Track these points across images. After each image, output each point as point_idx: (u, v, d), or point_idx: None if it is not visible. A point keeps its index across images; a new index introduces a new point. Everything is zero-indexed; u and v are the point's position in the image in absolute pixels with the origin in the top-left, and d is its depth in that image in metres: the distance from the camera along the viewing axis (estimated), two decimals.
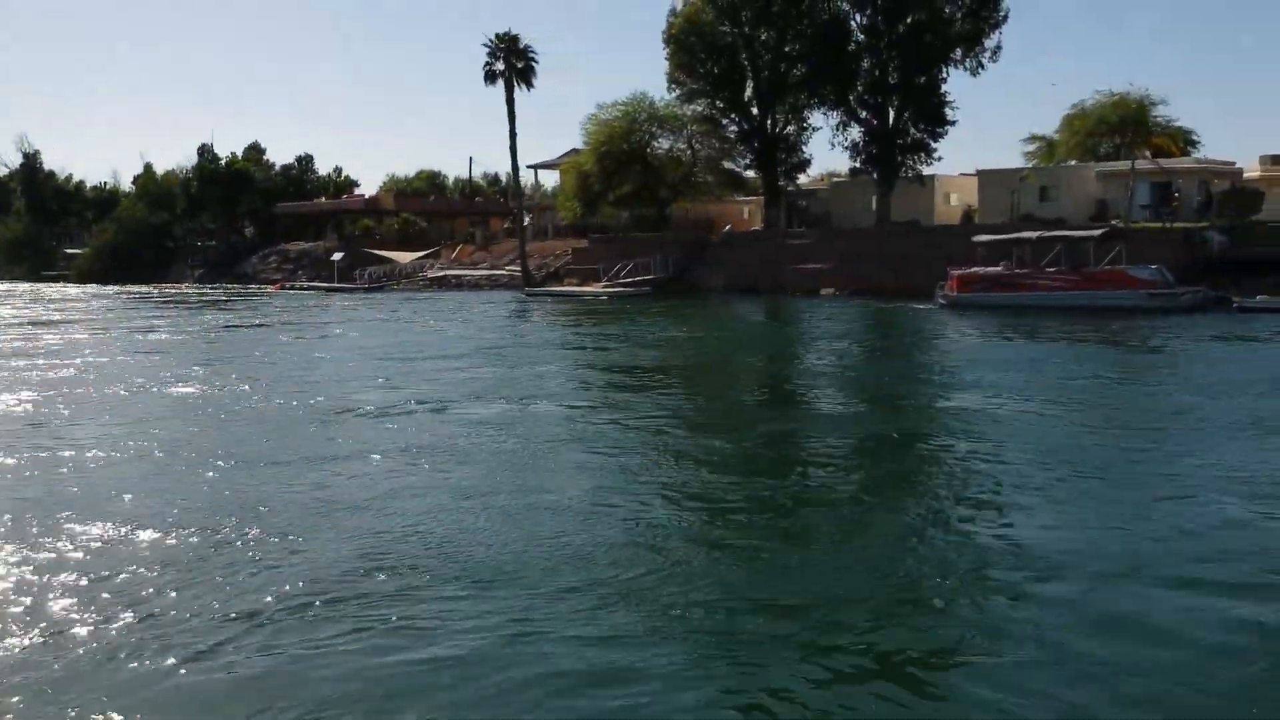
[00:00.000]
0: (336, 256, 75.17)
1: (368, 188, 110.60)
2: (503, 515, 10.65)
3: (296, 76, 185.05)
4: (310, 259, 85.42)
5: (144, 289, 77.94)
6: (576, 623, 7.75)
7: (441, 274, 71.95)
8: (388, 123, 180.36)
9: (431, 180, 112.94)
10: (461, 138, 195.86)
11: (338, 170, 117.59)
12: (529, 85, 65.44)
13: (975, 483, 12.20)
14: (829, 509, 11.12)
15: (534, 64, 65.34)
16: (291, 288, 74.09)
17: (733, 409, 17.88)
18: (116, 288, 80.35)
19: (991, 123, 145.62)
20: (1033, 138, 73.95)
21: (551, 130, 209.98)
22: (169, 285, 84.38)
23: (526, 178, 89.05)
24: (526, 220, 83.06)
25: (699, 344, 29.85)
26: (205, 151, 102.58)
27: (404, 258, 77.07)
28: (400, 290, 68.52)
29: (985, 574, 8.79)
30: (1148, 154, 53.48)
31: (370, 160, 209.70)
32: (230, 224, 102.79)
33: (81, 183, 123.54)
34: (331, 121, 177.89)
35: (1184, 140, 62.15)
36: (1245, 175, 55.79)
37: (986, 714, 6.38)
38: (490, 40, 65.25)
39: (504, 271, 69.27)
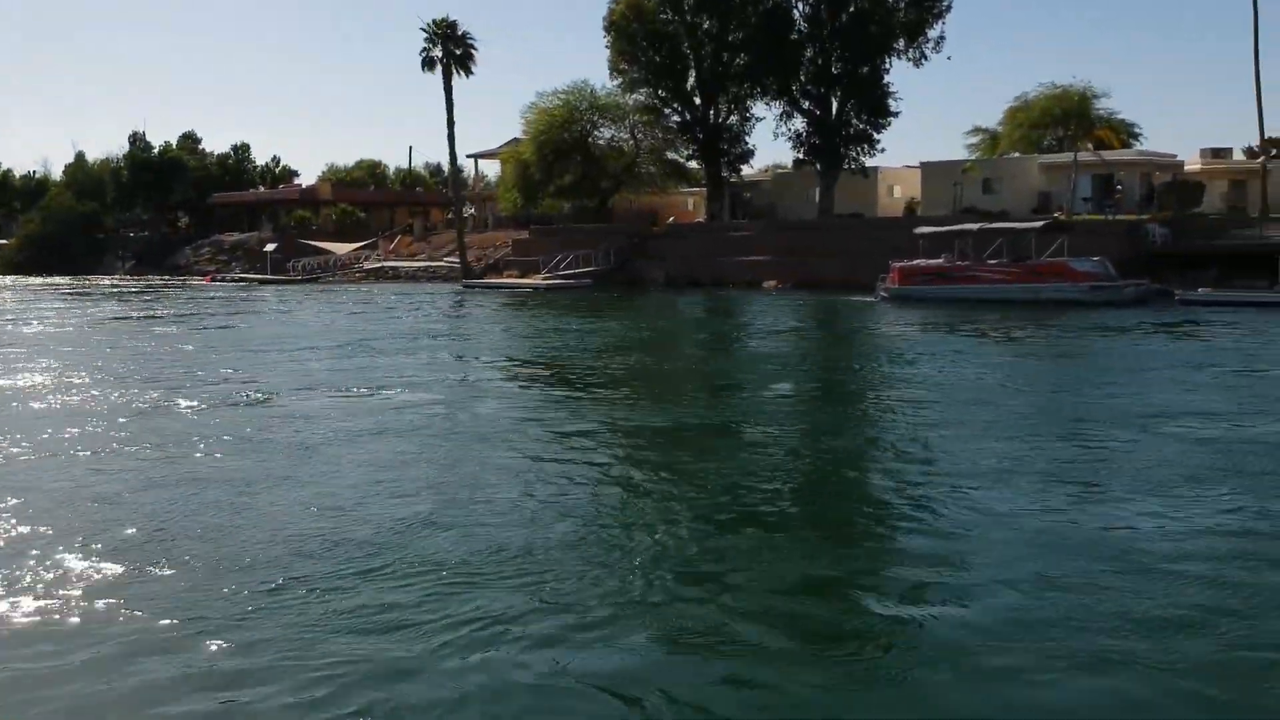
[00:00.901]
0: (269, 248, 73.20)
1: (308, 178, 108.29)
2: (400, 525, 9.53)
3: (234, 64, 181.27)
4: (245, 250, 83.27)
5: (67, 281, 75.31)
6: (514, 622, 7.32)
7: (378, 266, 70.28)
8: (328, 112, 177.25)
9: (372, 170, 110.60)
10: (404, 127, 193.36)
11: (275, 160, 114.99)
12: (468, 72, 64.04)
13: (893, 486, 11.33)
14: (754, 509, 10.47)
15: (473, 50, 63.96)
16: (224, 280, 72.01)
17: (647, 409, 16.81)
18: (41, 280, 77.66)
19: (935, 116, 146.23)
20: (976, 130, 73.97)
21: (497, 119, 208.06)
22: (97, 277, 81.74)
23: (468, 168, 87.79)
24: (469, 211, 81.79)
25: (623, 339, 28.74)
26: (137, 140, 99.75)
27: (341, 249, 75.17)
28: (334, 282, 66.78)
29: (895, 577, 8.41)
30: (1089, 146, 53.28)
31: (311, 150, 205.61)
32: (163, 214, 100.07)
33: (9, 171, 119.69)
34: (271, 111, 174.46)
35: (1126, 133, 62.18)
36: (1186, 168, 55.81)
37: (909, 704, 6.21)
38: (428, 26, 63.72)
39: (443, 263, 67.77)
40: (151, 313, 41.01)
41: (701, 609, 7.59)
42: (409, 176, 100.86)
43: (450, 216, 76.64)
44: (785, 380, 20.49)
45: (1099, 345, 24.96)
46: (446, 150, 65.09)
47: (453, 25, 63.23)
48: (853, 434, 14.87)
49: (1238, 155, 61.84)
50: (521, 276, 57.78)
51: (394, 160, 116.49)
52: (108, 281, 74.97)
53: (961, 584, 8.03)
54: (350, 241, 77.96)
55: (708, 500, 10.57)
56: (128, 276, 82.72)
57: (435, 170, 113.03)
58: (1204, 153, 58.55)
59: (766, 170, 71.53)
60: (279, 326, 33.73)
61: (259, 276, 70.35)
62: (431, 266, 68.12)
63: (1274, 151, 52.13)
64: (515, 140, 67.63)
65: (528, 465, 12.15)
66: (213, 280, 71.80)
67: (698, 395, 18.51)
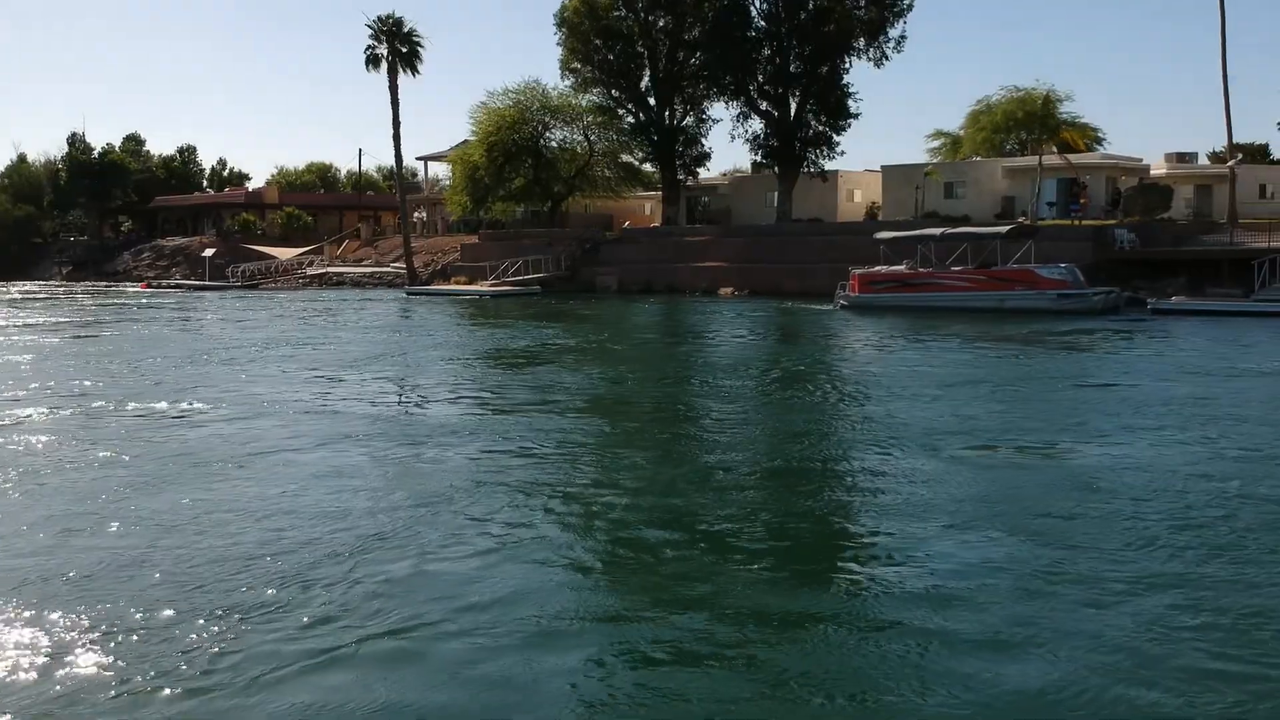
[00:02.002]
0: (207, 253, 70.48)
1: (259, 182, 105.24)
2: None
3: (181, 64, 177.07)
4: (186, 255, 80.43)
5: None
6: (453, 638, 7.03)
7: (322, 271, 67.71)
8: (278, 114, 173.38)
9: (322, 173, 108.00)
10: (356, 129, 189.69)
11: (222, 163, 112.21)
12: (414, 71, 61.57)
13: (833, 513, 10.02)
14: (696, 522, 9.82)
15: (420, 48, 61.47)
16: (161, 286, 69.13)
17: (580, 430, 14.75)
18: None
19: (895, 119, 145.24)
20: (937, 134, 72.66)
21: (453, 120, 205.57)
22: (31, 283, 78.51)
23: (418, 170, 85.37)
24: (419, 215, 79.41)
25: (564, 351, 26.59)
26: (76, 141, 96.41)
27: (286, 254, 72.64)
28: (276, 288, 64.17)
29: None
30: (1054, 149, 51.85)
31: (261, 154, 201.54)
32: (104, 218, 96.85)
33: None
34: (220, 112, 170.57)
35: (1090, 137, 60.92)
36: (1151, 173, 54.55)
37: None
38: (373, 22, 61.31)
39: (389, 269, 65.35)
40: (49, 320, 38.32)
41: (657, 627, 7.25)
42: (360, 180, 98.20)
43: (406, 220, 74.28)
44: (728, 396, 18.44)
45: (1067, 359, 23.07)
46: (398, 153, 62.33)
47: (399, 22, 60.86)
48: (797, 458, 12.93)
49: (1202, 160, 60.92)
50: (469, 283, 55.55)
51: (346, 163, 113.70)
52: (32, 286, 71.93)
53: (916, 598, 7.70)
54: (297, 246, 75.50)
55: (651, 523, 9.87)
56: (64, 282, 79.76)
57: (389, 174, 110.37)
58: (1169, 157, 57.40)
59: (725, 175, 69.76)
60: (181, 337, 31.20)
61: (196, 283, 67.56)
62: (378, 272, 65.68)
63: (1240, 156, 51.05)
64: (466, 142, 65.37)
65: (460, 491, 10.92)
66: (148, 286, 68.92)
67: (632, 414, 16.42)
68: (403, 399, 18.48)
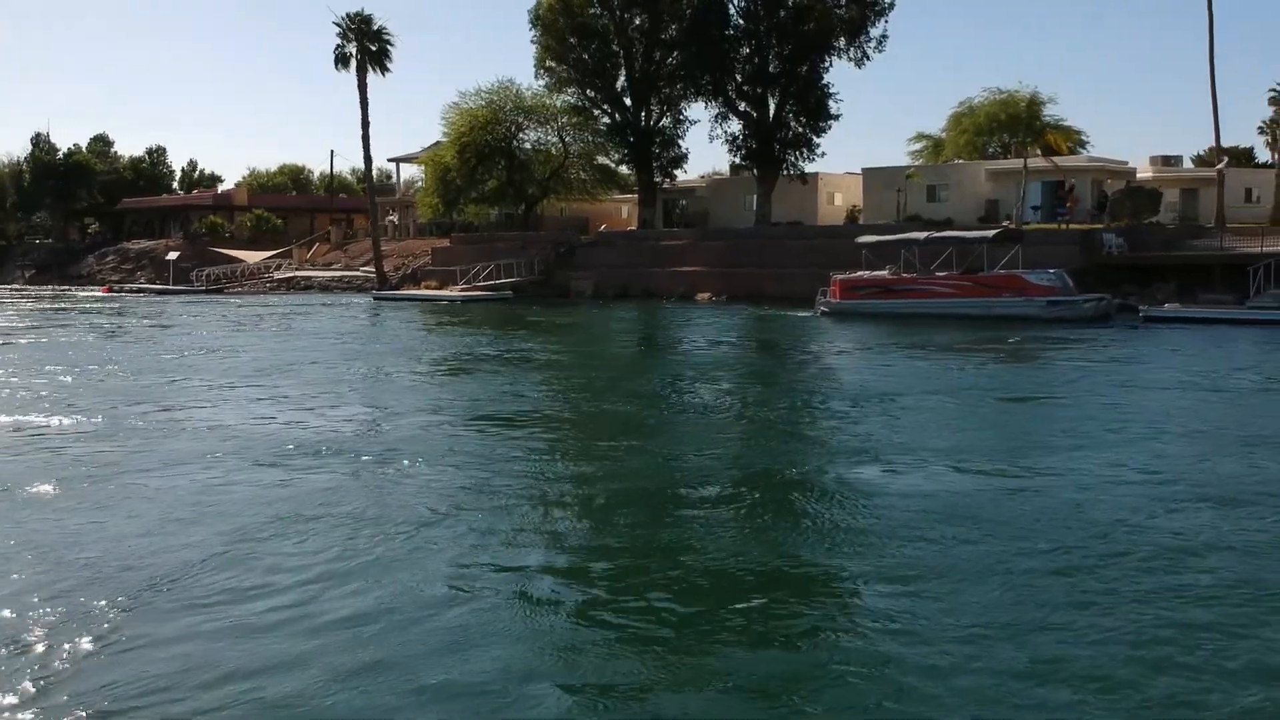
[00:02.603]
0: (171, 256, 68.61)
1: (232, 184, 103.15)
2: None
3: (155, 65, 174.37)
4: (151, 259, 78.56)
5: None
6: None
7: (290, 275, 65.98)
8: (251, 116, 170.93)
9: (295, 175, 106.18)
10: (329, 130, 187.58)
11: (192, 164, 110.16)
12: (384, 70, 60.01)
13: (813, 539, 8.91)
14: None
15: (389, 46, 59.93)
16: (123, 290, 67.22)
17: (520, 445, 13.33)
18: None
19: (876, 122, 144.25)
20: (919, 136, 71.59)
21: (427, 120, 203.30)
22: None
23: (390, 172, 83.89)
24: (391, 218, 77.76)
25: (518, 361, 25.09)
26: (40, 142, 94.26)
27: (254, 257, 70.86)
28: (242, 292, 62.40)
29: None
30: (1038, 152, 50.74)
31: (234, 155, 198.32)
32: (70, 220, 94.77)
33: None
34: (191, 114, 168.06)
35: (1074, 140, 59.88)
36: (1137, 176, 53.57)
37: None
38: (341, 20, 59.73)
39: (359, 272, 63.70)
40: None
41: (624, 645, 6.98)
42: (333, 182, 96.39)
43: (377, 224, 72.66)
44: (692, 411, 17.03)
45: (1058, 374, 21.67)
46: (367, 154, 60.66)
47: (367, 20, 59.30)
48: (770, 479, 11.63)
49: (1186, 164, 60.01)
50: (440, 287, 54.01)
51: (320, 165, 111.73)
52: (6, 291, 70.04)
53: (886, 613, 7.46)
54: (267, 249, 73.75)
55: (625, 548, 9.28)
56: (26, 286, 77.83)
57: (362, 176, 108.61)
58: (1154, 160, 56.51)
59: (704, 177, 68.43)
60: (102, 344, 29.47)
61: (159, 287, 65.69)
62: (347, 276, 64.01)
63: (1227, 160, 50.09)
64: (439, 144, 63.83)
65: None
66: (110, 290, 67.01)
67: (587, 432, 14.94)
68: (300, 414, 16.31)
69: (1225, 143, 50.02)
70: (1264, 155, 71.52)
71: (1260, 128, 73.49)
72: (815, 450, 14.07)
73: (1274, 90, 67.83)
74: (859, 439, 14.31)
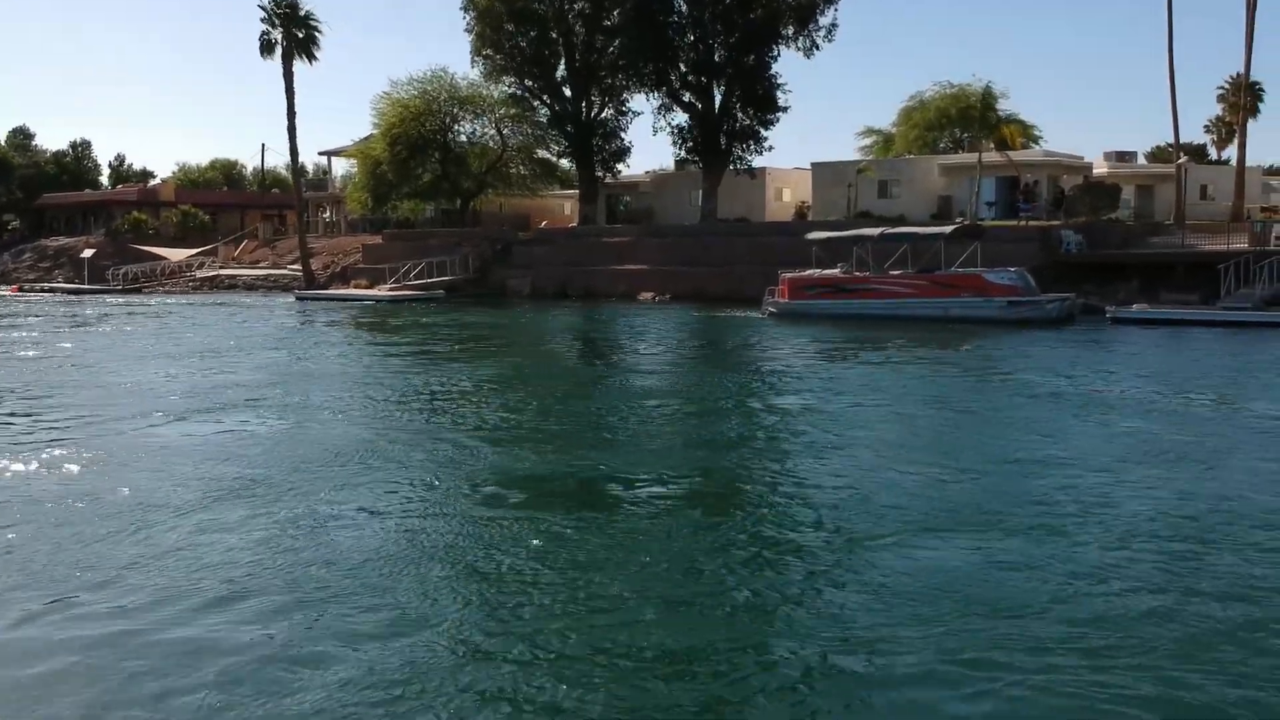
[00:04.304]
0: (86, 253, 65.10)
1: (163, 179, 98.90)
2: None
3: (81, 55, 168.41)
4: (70, 257, 74.71)
5: None
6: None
7: (213, 274, 62.71)
8: (183, 110, 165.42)
9: (227, 171, 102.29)
10: (263, 125, 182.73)
11: (120, 159, 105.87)
12: (311, 58, 56.99)
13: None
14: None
15: (317, 33, 56.93)
16: (35, 289, 63.57)
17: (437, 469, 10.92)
18: None
19: (825, 116, 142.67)
20: (868, 131, 70.05)
21: (362, 112, 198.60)
22: None
23: (327, 167, 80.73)
24: (324, 215, 74.70)
25: (447, 368, 22.58)
26: None
27: (178, 255, 67.41)
28: (163, 292, 59.13)
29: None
30: (992, 146, 49.05)
31: (166, 151, 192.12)
32: None
33: None
34: (121, 107, 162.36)
35: (1028, 135, 58.42)
36: (1094, 171, 52.12)
37: None
38: (266, 5, 56.63)
39: (286, 271, 60.57)
40: None
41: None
42: (264, 178, 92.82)
43: (306, 220, 69.60)
44: (608, 428, 14.67)
45: (1023, 387, 19.52)
46: (303, 147, 57.70)
47: (293, 5, 56.25)
48: (686, 508, 9.32)
49: (1140, 160, 58.78)
50: (370, 286, 51.23)
51: (254, 160, 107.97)
52: None
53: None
54: (195, 247, 70.34)
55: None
56: None
57: (301, 171, 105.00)
58: (1109, 156, 55.12)
59: (649, 173, 66.19)
60: None
61: (74, 286, 62.18)
62: (273, 275, 60.87)
63: (1185, 157, 48.77)
64: (371, 136, 60.95)
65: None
66: (20, 290, 63.36)
67: (502, 454, 12.51)
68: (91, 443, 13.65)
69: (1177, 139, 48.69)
70: (1213, 153, 70.82)
71: (1206, 126, 72.94)
72: (735, 475, 11.77)
73: (1222, 89, 67.23)
74: (784, 470, 12.03)
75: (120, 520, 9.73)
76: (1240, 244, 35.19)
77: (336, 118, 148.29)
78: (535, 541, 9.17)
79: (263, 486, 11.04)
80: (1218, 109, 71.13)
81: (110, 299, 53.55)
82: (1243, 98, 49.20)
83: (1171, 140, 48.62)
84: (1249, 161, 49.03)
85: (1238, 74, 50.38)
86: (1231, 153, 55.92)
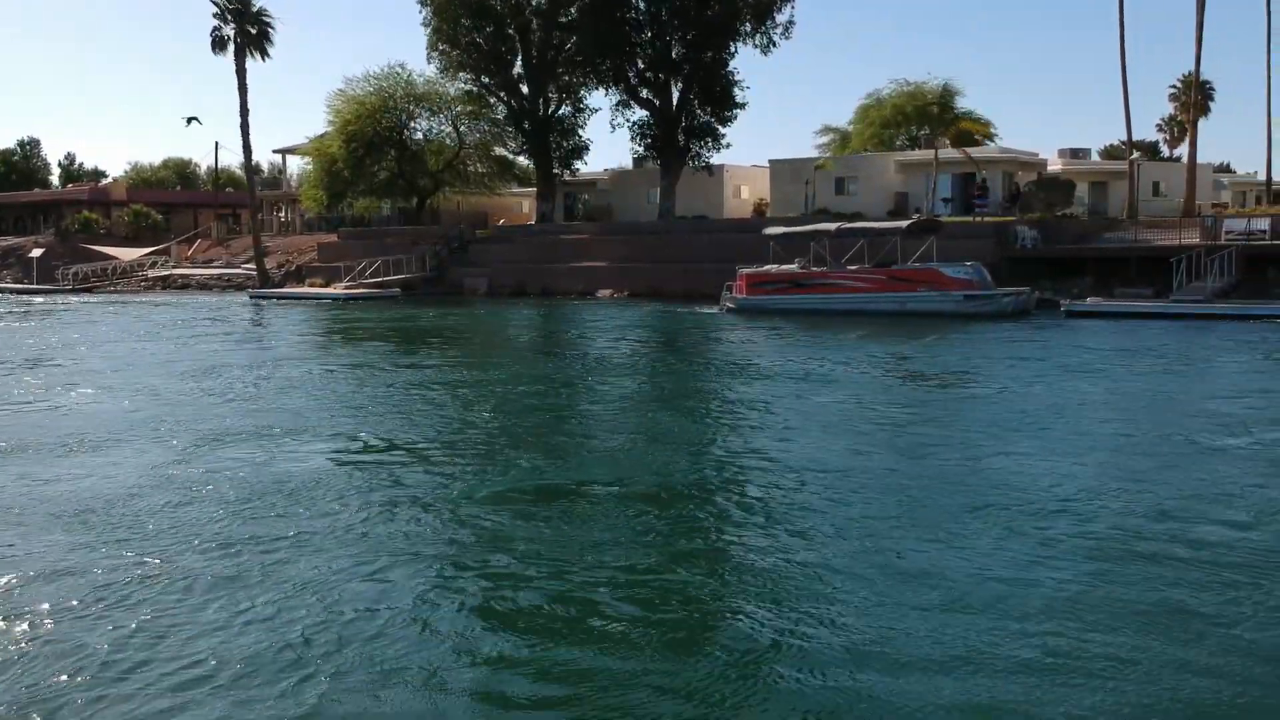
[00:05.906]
0: (35, 253, 63.89)
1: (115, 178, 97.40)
2: None
3: (32, 53, 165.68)
4: (19, 256, 73.36)
5: None
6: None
7: (166, 273, 61.72)
8: (135, 108, 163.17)
9: (181, 170, 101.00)
10: (218, 123, 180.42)
11: (70, 158, 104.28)
12: (264, 54, 56.15)
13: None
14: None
15: (270, 29, 56.13)
16: None
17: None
18: None
19: (783, 115, 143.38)
20: (826, 129, 70.22)
21: (317, 110, 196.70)
22: None
23: (275, 164, 79.89)
24: (279, 213, 73.83)
25: (393, 370, 22.27)
26: None
27: (130, 254, 66.33)
28: (111, 292, 58.12)
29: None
30: (948, 143, 49.28)
31: (118, 151, 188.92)
32: None
33: None
34: (72, 105, 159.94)
35: (983, 131, 58.81)
36: (1049, 168, 52.52)
37: None
38: (219, 1, 55.76)
39: (240, 270, 59.72)
40: None
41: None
42: (218, 177, 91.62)
43: (261, 218, 68.72)
44: (573, 422, 14.47)
45: (980, 376, 19.59)
46: (258, 145, 56.86)
47: (245, 0, 55.49)
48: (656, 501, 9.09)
49: (1094, 157, 59.35)
50: (325, 285, 50.62)
51: (207, 158, 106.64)
52: None
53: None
54: (147, 246, 69.27)
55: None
56: None
57: (256, 169, 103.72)
58: (1063, 153, 55.57)
59: (607, 171, 65.98)
60: None
61: (21, 286, 61.02)
62: (227, 274, 60.00)
63: (1138, 154, 49.30)
64: (327, 134, 60.25)
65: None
66: None
67: (448, 454, 12.28)
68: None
69: (1126, 137, 49.22)
70: (1165, 150, 71.76)
71: (1159, 124, 73.88)
72: (687, 473, 11.61)
73: (1174, 88, 68.13)
74: (736, 465, 11.89)
75: None
76: (1192, 239, 35.58)
77: (292, 116, 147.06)
78: (478, 542, 8.94)
79: (207, 498, 10.72)
80: (1170, 108, 72.26)
81: (60, 299, 52.57)
82: (1194, 96, 49.81)
83: (1125, 138, 49.08)
84: (1200, 159, 49.57)
85: (1189, 73, 51.00)
86: (1183, 150, 56.67)
